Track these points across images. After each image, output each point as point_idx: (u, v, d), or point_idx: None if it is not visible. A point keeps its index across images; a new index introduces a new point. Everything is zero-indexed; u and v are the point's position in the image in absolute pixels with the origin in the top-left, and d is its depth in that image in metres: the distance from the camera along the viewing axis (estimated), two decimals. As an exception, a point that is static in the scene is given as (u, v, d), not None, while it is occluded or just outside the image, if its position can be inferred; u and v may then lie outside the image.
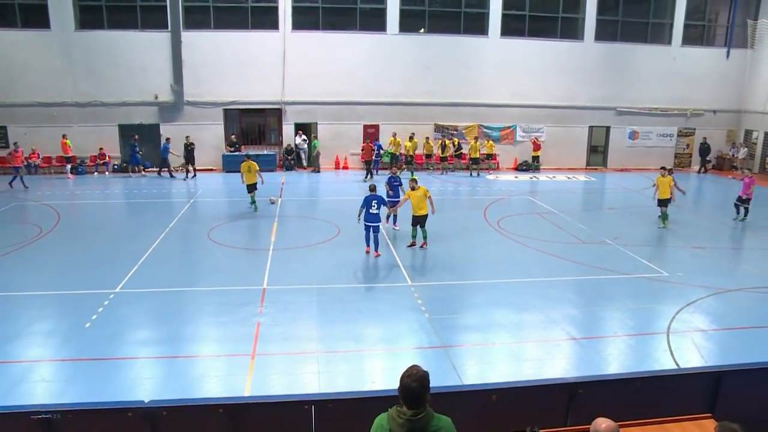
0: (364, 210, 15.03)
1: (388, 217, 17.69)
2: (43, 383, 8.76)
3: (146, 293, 12.48)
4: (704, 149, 31.44)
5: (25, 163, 25.56)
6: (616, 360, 9.95)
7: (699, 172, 31.15)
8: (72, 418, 5.04)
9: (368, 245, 15.42)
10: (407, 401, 4.03)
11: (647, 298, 12.69)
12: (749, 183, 19.43)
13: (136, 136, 27.33)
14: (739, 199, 19.68)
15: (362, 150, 28.04)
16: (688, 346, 10.33)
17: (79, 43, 27.22)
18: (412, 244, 16.11)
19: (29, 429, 4.92)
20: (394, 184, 17.63)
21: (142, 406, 5.20)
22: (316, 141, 29.21)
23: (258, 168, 20.11)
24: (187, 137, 27.03)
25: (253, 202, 20.18)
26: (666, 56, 30.70)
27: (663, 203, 18.52)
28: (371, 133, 29.58)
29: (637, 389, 5.87)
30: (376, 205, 15.00)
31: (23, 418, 4.97)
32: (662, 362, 9.63)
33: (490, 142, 29.81)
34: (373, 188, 15.49)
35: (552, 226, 18.76)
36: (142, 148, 27.26)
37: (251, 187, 19.99)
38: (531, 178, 28.65)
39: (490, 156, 29.81)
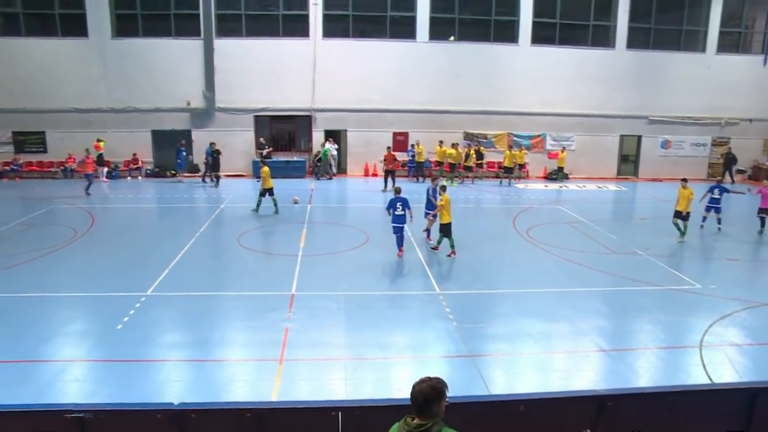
0: (392, 211, 15.76)
1: (426, 231, 17.51)
2: (76, 383, 8.94)
3: (176, 297, 12.65)
4: (729, 159, 30.69)
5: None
6: (646, 373, 9.80)
7: (732, 182, 30.41)
8: (104, 417, 5.11)
9: (400, 249, 15.92)
10: (413, 405, 4.01)
11: (679, 310, 12.48)
12: (766, 195, 18.86)
13: (183, 141, 27.75)
14: (761, 210, 19.17)
15: (384, 159, 27.28)
16: (721, 360, 10.13)
17: (115, 51, 27.79)
18: (435, 249, 16.39)
19: (63, 427, 5.01)
20: (434, 193, 17.16)
21: (171, 408, 5.26)
22: (325, 148, 28.84)
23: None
24: (212, 143, 26.98)
25: (275, 204, 20.79)
26: (700, 64, 30.23)
27: (679, 215, 17.98)
28: (400, 141, 29.63)
29: (668, 404, 5.76)
30: (401, 207, 15.67)
31: (57, 416, 5.06)
32: (695, 377, 9.46)
33: (523, 150, 29.54)
34: (398, 191, 16.28)
35: (582, 235, 18.57)
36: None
37: (270, 191, 20.60)
38: (560, 187, 28.42)
39: (521, 166, 29.50)
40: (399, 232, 15.82)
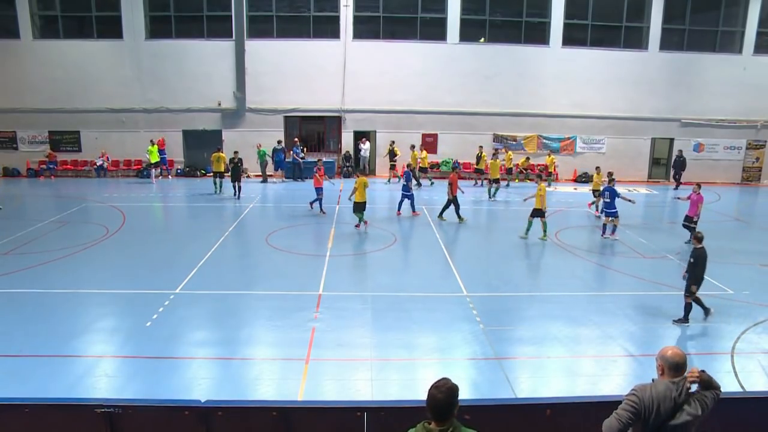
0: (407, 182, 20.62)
1: (609, 230, 18.35)
2: (106, 378, 9.09)
3: (205, 295, 12.79)
4: (679, 162, 29.17)
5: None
6: (676, 379, 9.61)
7: (676, 187, 28.80)
8: (132, 413, 5.21)
9: (399, 210, 20.98)
10: (433, 412, 4.00)
11: (710, 316, 12.25)
12: (697, 200, 17.60)
13: (281, 140, 28.05)
14: (687, 218, 17.86)
15: (450, 183, 19.92)
16: (754, 368, 9.93)
17: (149, 52, 28.26)
18: (358, 226, 18.85)
19: (92, 421, 5.11)
20: (612, 195, 18.43)
21: (198, 405, 5.33)
22: (262, 149, 28.05)
23: (227, 160, 24.81)
24: (235, 153, 24.76)
25: (219, 186, 24.83)
26: (736, 65, 29.61)
27: (537, 213, 17.79)
28: (429, 142, 29.63)
29: (697, 410, 5.65)
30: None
31: (88, 410, 5.18)
32: (726, 384, 9.19)
33: (552, 156, 28.99)
34: (409, 166, 21.23)
35: (611, 239, 18.32)
36: (204, 154, 27.89)
37: (221, 175, 24.69)
38: (591, 190, 28.02)
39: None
40: (409, 199, 20.75)
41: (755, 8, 29.29)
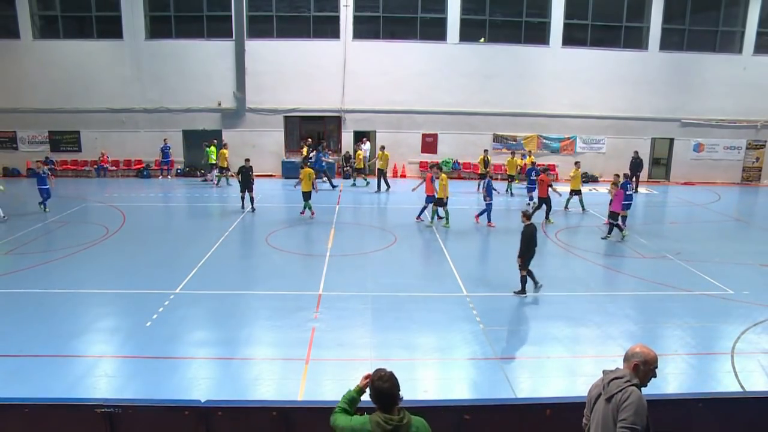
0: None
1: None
2: (106, 378, 9.10)
3: (205, 295, 12.80)
4: (636, 164, 28.28)
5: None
6: (675, 379, 9.64)
7: (636, 190, 27.27)
8: (132, 413, 5.21)
9: (485, 219, 19.70)
10: (383, 403, 4.11)
11: (710, 316, 12.26)
12: (617, 196, 17.70)
13: (324, 142, 27.80)
14: (613, 215, 17.96)
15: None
16: (754, 368, 9.93)
17: (149, 52, 28.24)
18: (302, 213, 20.46)
19: (92, 421, 5.12)
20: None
21: (198, 405, 5.33)
22: (210, 149, 27.12)
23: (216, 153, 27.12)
24: (247, 160, 22.05)
25: (219, 177, 26.90)
26: (736, 65, 29.57)
27: (440, 202, 19.08)
28: (429, 143, 29.64)
29: (698, 411, 5.68)
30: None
31: (88, 410, 5.18)
32: (726, 384, 9.29)
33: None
34: (487, 174, 21.08)
35: (611, 239, 18.32)
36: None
37: (226, 169, 26.80)
38: (590, 190, 28.06)
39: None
40: (489, 209, 19.59)
41: (755, 8, 29.24)
